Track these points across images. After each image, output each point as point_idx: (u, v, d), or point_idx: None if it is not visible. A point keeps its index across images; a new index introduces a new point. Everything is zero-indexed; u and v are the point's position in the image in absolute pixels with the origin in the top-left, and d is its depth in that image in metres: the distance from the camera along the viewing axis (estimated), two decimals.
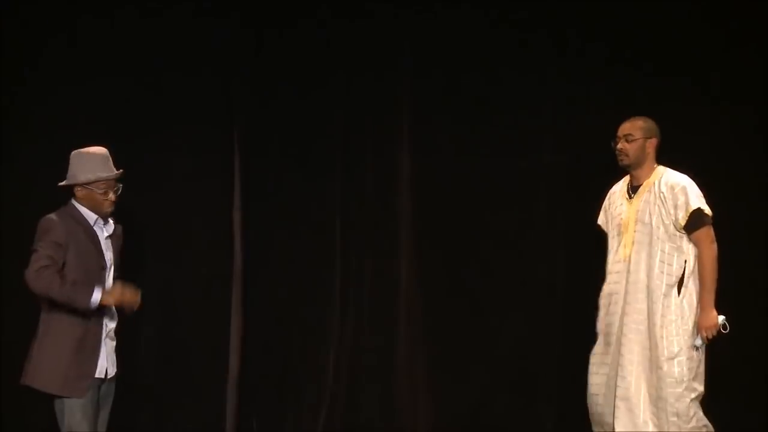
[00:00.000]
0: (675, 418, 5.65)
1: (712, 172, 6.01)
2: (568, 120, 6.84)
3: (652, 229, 5.77)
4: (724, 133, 6.51)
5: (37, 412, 6.27)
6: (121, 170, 5.64)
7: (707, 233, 5.72)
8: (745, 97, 6.54)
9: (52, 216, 5.48)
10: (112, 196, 5.58)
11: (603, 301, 5.96)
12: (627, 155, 5.86)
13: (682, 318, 5.69)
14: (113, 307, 5.64)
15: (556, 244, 6.87)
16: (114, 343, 5.68)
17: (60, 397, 5.45)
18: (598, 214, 6.13)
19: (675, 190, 5.74)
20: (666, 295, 5.70)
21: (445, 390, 6.93)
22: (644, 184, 5.86)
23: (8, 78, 6.74)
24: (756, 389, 6.39)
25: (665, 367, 5.66)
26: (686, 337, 5.68)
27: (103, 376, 5.56)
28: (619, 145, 5.88)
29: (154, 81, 6.87)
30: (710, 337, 5.67)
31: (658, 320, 5.70)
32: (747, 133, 6.54)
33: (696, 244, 5.73)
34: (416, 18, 6.94)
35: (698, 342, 5.66)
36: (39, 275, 5.36)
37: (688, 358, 5.67)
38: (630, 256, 5.82)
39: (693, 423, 5.66)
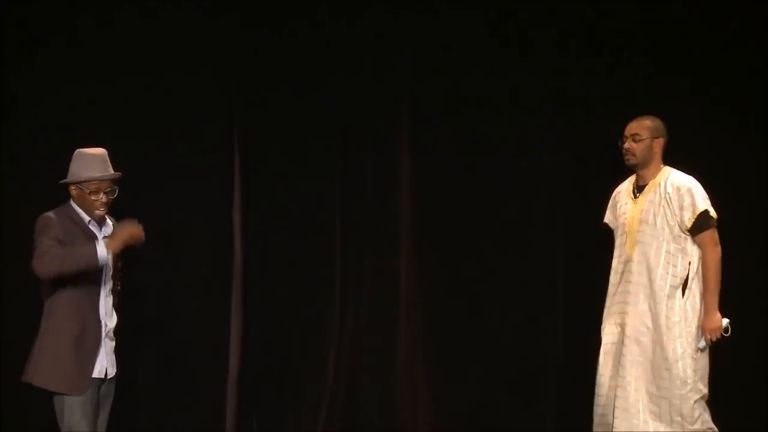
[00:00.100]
0: (679, 418, 5.65)
1: (712, 172, 6.00)
2: (568, 120, 6.84)
3: (656, 230, 5.76)
4: (724, 133, 6.51)
5: (37, 412, 6.28)
6: (113, 172, 5.62)
7: (712, 236, 5.72)
8: (746, 97, 6.54)
9: (50, 214, 5.49)
10: (102, 197, 5.55)
11: (607, 301, 5.96)
12: (634, 155, 5.84)
13: (686, 320, 5.69)
14: (112, 307, 5.66)
15: (556, 244, 6.87)
16: (113, 343, 5.67)
17: (59, 394, 5.45)
18: (603, 213, 6.12)
19: (681, 192, 5.73)
20: (670, 297, 5.70)
21: (445, 390, 6.93)
22: (650, 184, 5.85)
23: (8, 78, 6.73)
24: (756, 389, 6.38)
25: (670, 369, 5.66)
26: (690, 339, 5.67)
27: (102, 376, 5.56)
28: (626, 145, 5.86)
29: (154, 81, 6.87)
30: (714, 339, 5.66)
31: (662, 321, 5.69)
32: (747, 133, 6.54)
33: (700, 246, 5.72)
34: (416, 18, 6.94)
35: (702, 344, 5.66)
36: (44, 259, 5.36)
37: (692, 360, 5.66)
38: (633, 256, 5.81)
39: (698, 425, 5.66)
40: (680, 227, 5.72)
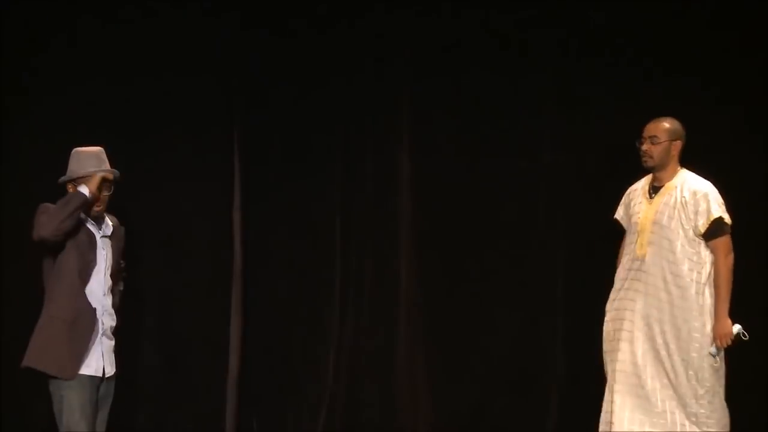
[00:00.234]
0: (694, 418, 5.67)
1: (713, 171, 5.99)
2: (568, 120, 6.84)
3: (670, 232, 5.74)
4: (724, 133, 6.51)
5: (36, 413, 6.29)
6: (109, 169, 5.64)
7: (725, 242, 5.72)
8: (746, 97, 6.54)
9: (48, 204, 5.52)
10: (98, 194, 5.59)
11: (612, 295, 5.94)
12: (651, 157, 5.82)
13: (702, 323, 5.70)
14: (112, 306, 5.67)
15: (556, 244, 6.87)
16: (112, 342, 5.68)
17: (54, 378, 5.47)
18: (613, 210, 6.10)
19: (697, 196, 5.72)
20: (685, 299, 5.69)
21: (445, 390, 6.93)
22: (666, 186, 5.83)
23: (9, 78, 6.74)
24: (756, 390, 6.38)
25: (687, 369, 5.67)
26: (706, 342, 5.69)
27: (100, 375, 5.56)
28: (644, 147, 5.83)
29: (154, 81, 6.87)
30: (725, 345, 5.67)
31: (679, 323, 5.70)
32: (747, 133, 6.54)
33: (713, 251, 5.72)
34: (416, 18, 6.94)
35: (713, 350, 5.66)
36: (40, 220, 5.43)
37: (709, 364, 5.69)
38: (645, 257, 5.80)
39: (714, 427, 5.68)
40: (694, 232, 5.72)
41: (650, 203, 5.85)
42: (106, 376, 5.61)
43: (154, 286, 6.90)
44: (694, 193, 5.73)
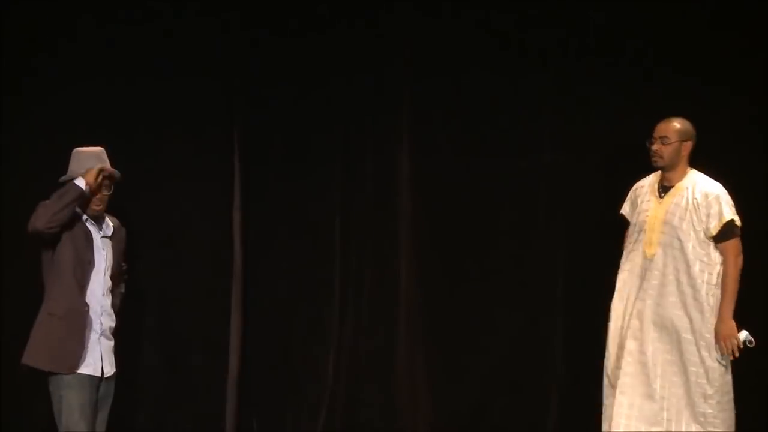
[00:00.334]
0: (702, 418, 5.69)
1: (713, 171, 6.00)
2: (568, 120, 6.84)
3: (681, 233, 5.75)
4: (724, 132, 6.50)
5: (36, 413, 6.29)
6: (109, 168, 5.65)
7: (735, 245, 5.74)
8: (747, 97, 6.53)
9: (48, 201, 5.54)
10: (97, 193, 5.59)
11: (619, 294, 5.94)
12: (661, 157, 5.83)
13: (713, 323, 5.72)
14: (111, 307, 5.67)
15: (556, 244, 6.86)
16: (112, 342, 5.69)
17: (49, 374, 5.48)
18: (619, 205, 6.10)
19: (709, 199, 5.73)
20: (697, 300, 5.71)
21: (445, 390, 6.93)
22: (676, 186, 5.83)
23: (9, 78, 6.74)
24: (756, 389, 6.38)
25: (697, 370, 5.68)
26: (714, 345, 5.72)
27: (99, 375, 5.57)
28: (655, 147, 5.83)
29: (154, 81, 6.87)
30: (729, 348, 5.68)
31: (697, 325, 5.70)
32: (748, 132, 6.53)
33: (723, 253, 5.74)
34: (416, 18, 6.93)
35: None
36: (37, 212, 5.45)
37: (720, 362, 5.71)
38: (654, 256, 5.80)
39: (721, 427, 5.69)
40: (705, 234, 5.72)
41: (660, 202, 5.85)
42: (106, 375, 5.62)
43: (154, 286, 6.90)
44: (706, 195, 5.74)
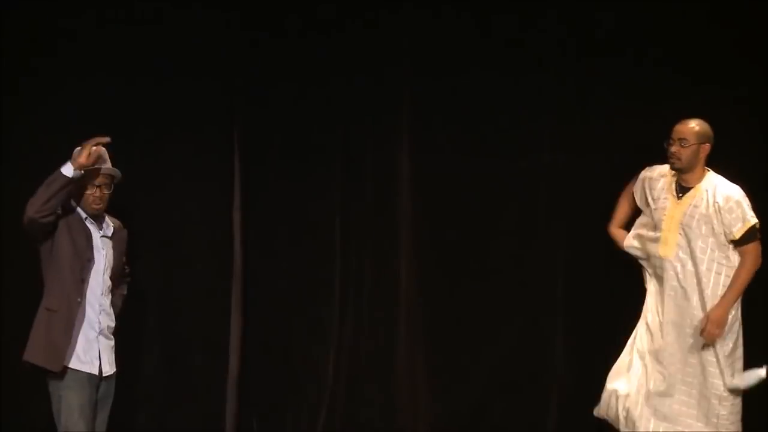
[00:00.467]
0: (715, 419, 5.71)
1: (713, 171, 6.00)
2: (568, 120, 6.84)
3: (701, 236, 5.74)
4: (724, 132, 6.50)
5: (35, 413, 6.28)
6: (108, 167, 5.64)
7: (756, 247, 5.75)
8: (747, 97, 6.54)
9: None
10: (97, 191, 5.60)
11: (651, 304, 5.92)
12: (679, 159, 5.81)
13: (729, 324, 5.73)
14: (109, 305, 5.67)
15: (556, 244, 6.86)
16: (111, 342, 5.69)
17: (43, 369, 5.50)
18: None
19: (730, 203, 5.73)
20: (714, 302, 5.73)
21: (445, 390, 6.93)
22: (695, 187, 5.82)
23: (9, 78, 6.74)
24: (756, 390, 6.37)
25: (714, 371, 5.70)
26: (730, 343, 5.74)
27: (97, 374, 5.57)
28: (673, 149, 5.81)
29: (154, 81, 6.87)
30: (711, 334, 5.67)
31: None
32: (747, 132, 6.53)
33: (742, 255, 5.74)
34: (416, 18, 6.93)
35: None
36: (29, 201, 5.45)
37: (729, 365, 5.73)
38: (671, 257, 5.79)
39: (732, 426, 5.73)
40: (726, 237, 5.72)
41: (677, 203, 5.84)
42: (105, 375, 5.62)
43: (154, 286, 6.90)
44: (727, 199, 5.73)
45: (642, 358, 5.86)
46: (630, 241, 6.00)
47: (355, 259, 7.04)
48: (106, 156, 5.67)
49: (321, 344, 7.03)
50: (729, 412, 5.72)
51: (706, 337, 5.71)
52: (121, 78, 6.81)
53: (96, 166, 5.58)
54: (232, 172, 7.00)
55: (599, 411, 5.95)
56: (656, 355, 5.81)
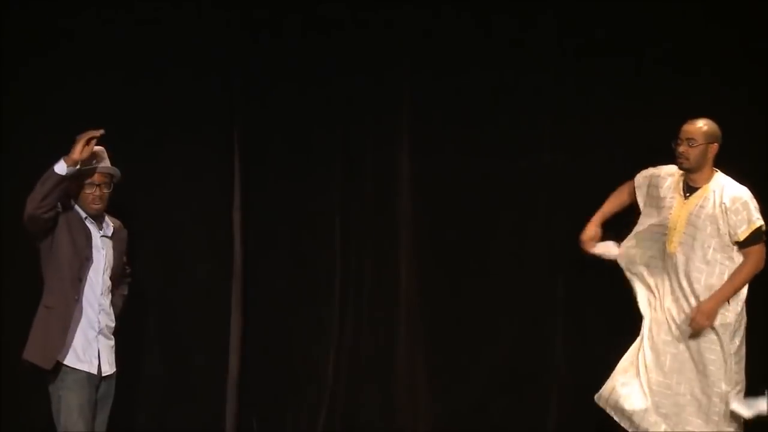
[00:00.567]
0: (717, 418, 5.71)
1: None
2: (568, 120, 6.84)
3: (705, 236, 5.73)
4: (724, 132, 6.49)
5: (35, 413, 6.28)
6: (107, 166, 5.65)
7: (760, 250, 5.73)
8: (747, 96, 6.54)
9: None
10: (96, 190, 5.60)
11: (647, 295, 5.92)
12: (687, 159, 5.78)
13: (729, 323, 5.73)
14: (108, 305, 5.67)
15: (557, 243, 6.86)
16: (111, 342, 5.69)
17: (50, 373, 5.49)
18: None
19: (737, 204, 5.71)
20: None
21: (445, 390, 6.93)
22: (703, 188, 5.80)
23: (9, 77, 6.74)
24: (756, 389, 6.38)
25: (715, 370, 5.70)
26: (730, 342, 5.73)
27: (96, 373, 5.56)
28: (681, 149, 5.78)
29: (154, 81, 6.87)
30: (698, 323, 5.67)
31: (718, 324, 5.71)
32: (748, 132, 6.53)
33: (746, 256, 5.71)
34: (416, 18, 6.93)
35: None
36: (27, 199, 5.44)
37: (736, 363, 5.73)
38: (675, 254, 5.79)
39: (733, 426, 5.71)
40: (731, 238, 5.72)
41: (684, 203, 5.83)
42: (105, 375, 5.62)
43: (154, 286, 6.90)
44: (734, 200, 5.72)
45: (645, 355, 5.86)
46: (623, 250, 6.00)
47: (355, 259, 7.04)
48: (105, 155, 5.67)
49: (321, 344, 7.03)
50: (733, 410, 5.72)
51: (693, 326, 5.70)
52: (121, 78, 6.82)
53: (93, 165, 5.58)
54: (232, 172, 7.00)
55: (600, 399, 5.93)
56: (657, 353, 5.81)
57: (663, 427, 5.74)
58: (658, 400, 5.78)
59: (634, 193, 6.03)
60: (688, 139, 5.77)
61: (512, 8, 6.84)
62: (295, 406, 7.04)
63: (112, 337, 5.70)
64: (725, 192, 5.75)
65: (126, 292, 5.94)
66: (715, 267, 5.73)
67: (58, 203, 5.49)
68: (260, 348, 7.02)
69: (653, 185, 5.96)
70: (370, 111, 7.04)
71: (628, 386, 5.84)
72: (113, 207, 5.80)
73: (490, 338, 6.91)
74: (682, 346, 5.77)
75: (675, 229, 5.81)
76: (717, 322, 5.70)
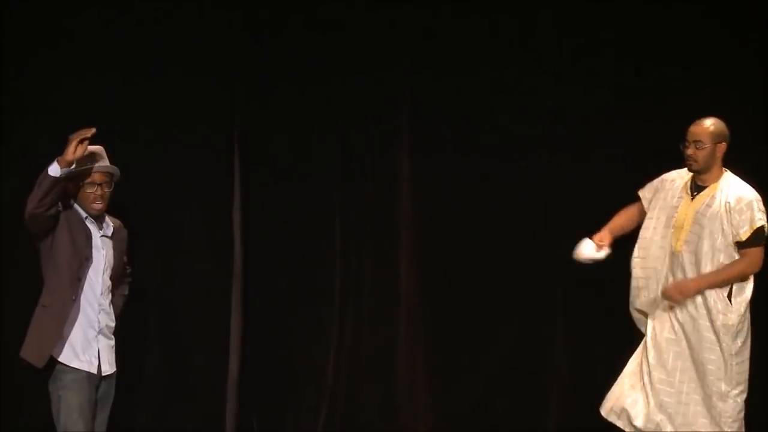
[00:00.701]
0: (718, 418, 5.70)
1: None
2: (567, 120, 6.84)
3: (709, 235, 5.73)
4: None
5: (34, 413, 6.28)
6: (108, 165, 5.65)
7: (758, 252, 5.72)
8: (747, 96, 6.54)
9: None
10: (98, 190, 5.59)
11: (636, 283, 5.92)
12: (696, 161, 5.77)
13: (732, 323, 5.72)
14: (108, 305, 5.67)
15: (557, 243, 6.85)
16: (111, 341, 5.68)
17: (50, 372, 5.49)
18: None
19: (741, 204, 5.70)
20: (718, 300, 5.71)
21: (445, 390, 6.93)
22: (710, 186, 5.80)
23: (9, 77, 6.74)
24: (756, 389, 6.38)
25: (716, 368, 5.70)
26: (732, 342, 5.72)
27: (96, 372, 5.56)
28: (689, 151, 5.77)
29: (154, 81, 6.87)
30: (670, 294, 5.68)
31: (719, 325, 5.71)
32: (750, 132, 6.53)
33: (743, 255, 5.70)
34: (416, 18, 6.94)
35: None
36: (28, 198, 5.44)
37: (737, 364, 5.72)
38: (682, 253, 5.79)
39: (735, 426, 5.72)
40: (733, 237, 5.71)
41: (691, 201, 5.83)
42: (105, 374, 5.61)
43: (154, 286, 6.90)
44: (739, 200, 5.71)
45: (648, 355, 5.86)
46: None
47: (355, 259, 7.04)
48: (104, 154, 5.67)
49: (321, 344, 7.03)
50: (731, 410, 5.72)
51: (662, 293, 5.71)
52: (121, 78, 6.81)
53: (92, 165, 5.57)
54: (232, 172, 7.00)
55: (604, 408, 5.92)
56: (660, 351, 5.81)
57: (669, 427, 5.74)
58: (662, 398, 5.78)
59: (642, 206, 6.01)
60: (695, 141, 5.75)
61: (512, 8, 6.84)
62: (295, 406, 7.04)
63: (112, 336, 5.70)
64: (731, 191, 5.75)
65: (126, 292, 5.94)
66: (718, 266, 5.73)
67: (59, 202, 5.49)
68: (260, 348, 7.02)
69: (661, 189, 5.96)
70: (370, 111, 7.04)
71: (634, 390, 5.84)
72: (113, 207, 5.80)
73: (490, 338, 6.91)
74: (684, 345, 5.77)
75: (682, 227, 5.81)
76: (718, 322, 5.70)
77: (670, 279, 5.82)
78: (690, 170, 5.82)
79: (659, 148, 6.13)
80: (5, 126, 6.74)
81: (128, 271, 5.95)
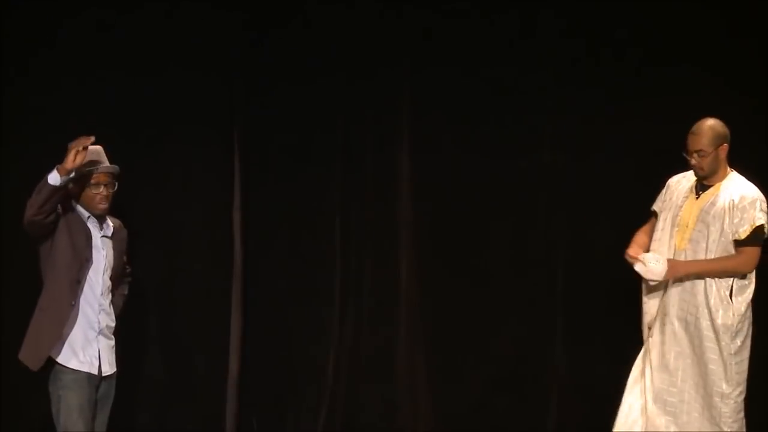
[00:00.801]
0: (718, 418, 5.69)
1: None
2: (567, 120, 6.84)
3: (712, 233, 5.71)
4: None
5: (34, 413, 6.28)
6: (110, 165, 5.65)
7: (754, 251, 5.69)
8: (747, 96, 6.54)
9: None
10: (103, 190, 5.60)
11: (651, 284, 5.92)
12: (702, 169, 5.75)
13: (733, 323, 5.71)
14: (108, 305, 5.67)
15: (557, 243, 6.87)
16: (111, 342, 5.68)
17: (49, 373, 5.50)
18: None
19: (744, 203, 5.70)
20: (721, 299, 5.71)
21: (445, 390, 6.93)
22: (715, 186, 5.80)
23: (9, 77, 6.74)
24: (756, 389, 6.38)
25: (716, 368, 5.69)
26: (732, 341, 5.71)
27: (96, 373, 5.56)
28: (693, 161, 5.75)
29: (154, 81, 6.87)
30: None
31: (719, 324, 5.70)
32: (751, 132, 6.53)
33: (739, 253, 5.68)
34: (416, 17, 6.94)
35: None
36: (27, 203, 5.43)
37: (737, 363, 5.71)
38: (684, 252, 5.79)
39: (735, 426, 5.70)
40: (734, 236, 5.71)
41: (696, 200, 5.83)
42: (105, 375, 5.61)
43: (154, 287, 6.90)
44: (742, 199, 5.70)
45: (650, 357, 5.86)
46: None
47: (355, 259, 7.04)
48: (104, 155, 5.66)
49: (321, 344, 7.03)
50: (731, 410, 5.72)
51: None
52: (121, 78, 6.81)
53: (94, 167, 5.57)
54: (232, 172, 7.00)
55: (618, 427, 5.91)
56: (662, 351, 5.81)
57: (672, 427, 5.74)
58: (664, 398, 5.78)
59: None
60: (696, 151, 5.74)
61: (513, 8, 6.84)
62: (295, 406, 7.04)
63: (113, 337, 5.70)
64: (735, 190, 5.75)
65: (126, 292, 5.94)
66: None
67: (58, 206, 5.49)
68: (260, 348, 7.02)
69: (667, 192, 5.96)
70: (370, 111, 7.04)
71: (638, 402, 5.85)
72: (113, 207, 5.80)
73: (490, 338, 6.91)
74: (685, 344, 5.77)
75: (687, 226, 5.81)
76: (719, 321, 5.70)
77: (681, 285, 5.82)
78: (698, 177, 5.82)
79: (659, 148, 6.14)
80: (5, 126, 6.74)
81: (128, 271, 5.95)
